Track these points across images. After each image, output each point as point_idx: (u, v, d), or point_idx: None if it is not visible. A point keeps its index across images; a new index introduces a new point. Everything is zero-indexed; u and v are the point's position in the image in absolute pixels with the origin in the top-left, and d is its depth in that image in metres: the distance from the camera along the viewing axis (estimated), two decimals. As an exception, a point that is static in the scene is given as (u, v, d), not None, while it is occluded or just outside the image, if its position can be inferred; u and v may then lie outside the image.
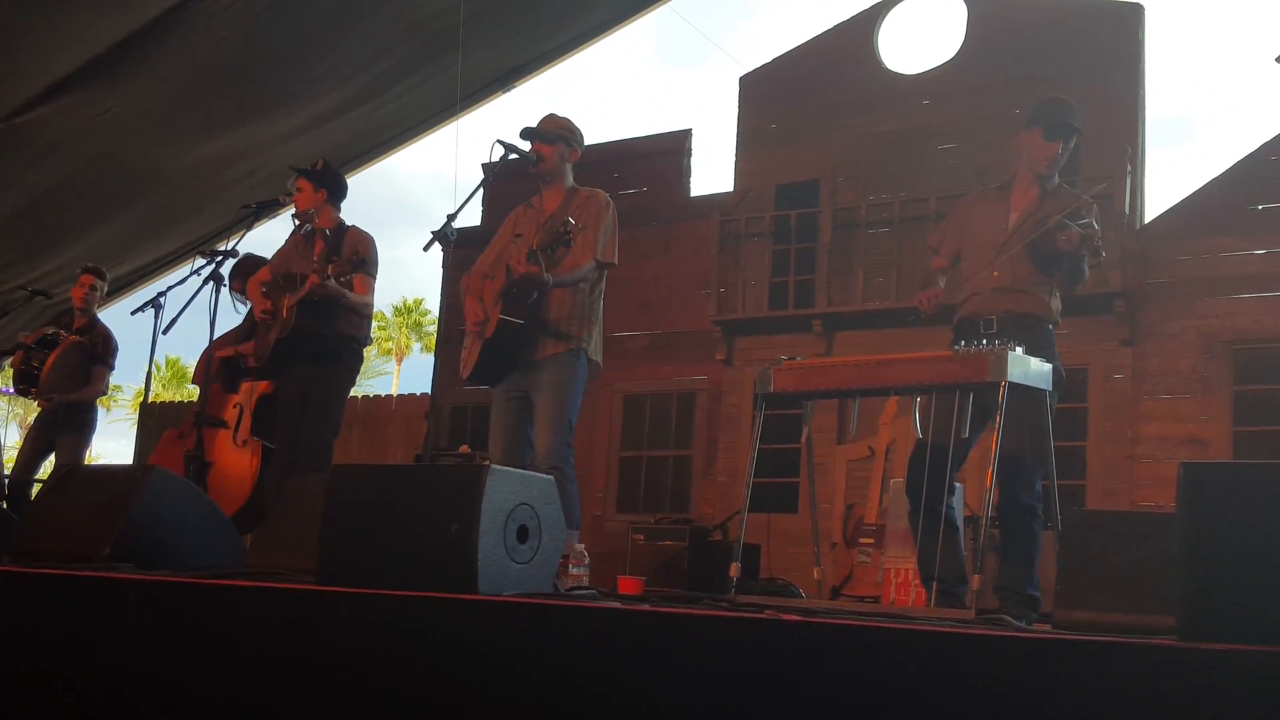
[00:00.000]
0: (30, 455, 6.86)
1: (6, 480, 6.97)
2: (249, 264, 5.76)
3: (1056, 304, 4.30)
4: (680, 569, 8.14)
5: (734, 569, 4.08)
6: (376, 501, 3.00)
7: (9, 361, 7.27)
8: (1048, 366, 3.90)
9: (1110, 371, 9.95)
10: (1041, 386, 3.88)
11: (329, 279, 4.97)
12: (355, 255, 5.04)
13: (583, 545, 3.95)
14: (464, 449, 8.98)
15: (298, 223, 5.49)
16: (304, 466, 4.91)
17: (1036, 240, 4.16)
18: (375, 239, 5.36)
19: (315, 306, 5.07)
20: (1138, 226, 10.14)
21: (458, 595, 2.64)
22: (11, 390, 7.05)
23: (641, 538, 8.59)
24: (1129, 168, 10.02)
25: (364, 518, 2.98)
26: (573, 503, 4.32)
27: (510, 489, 2.87)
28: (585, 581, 3.75)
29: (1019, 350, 3.72)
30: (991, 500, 3.85)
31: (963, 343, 3.87)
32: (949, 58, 11.30)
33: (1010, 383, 3.63)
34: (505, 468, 2.96)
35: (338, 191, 5.47)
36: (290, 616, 2.75)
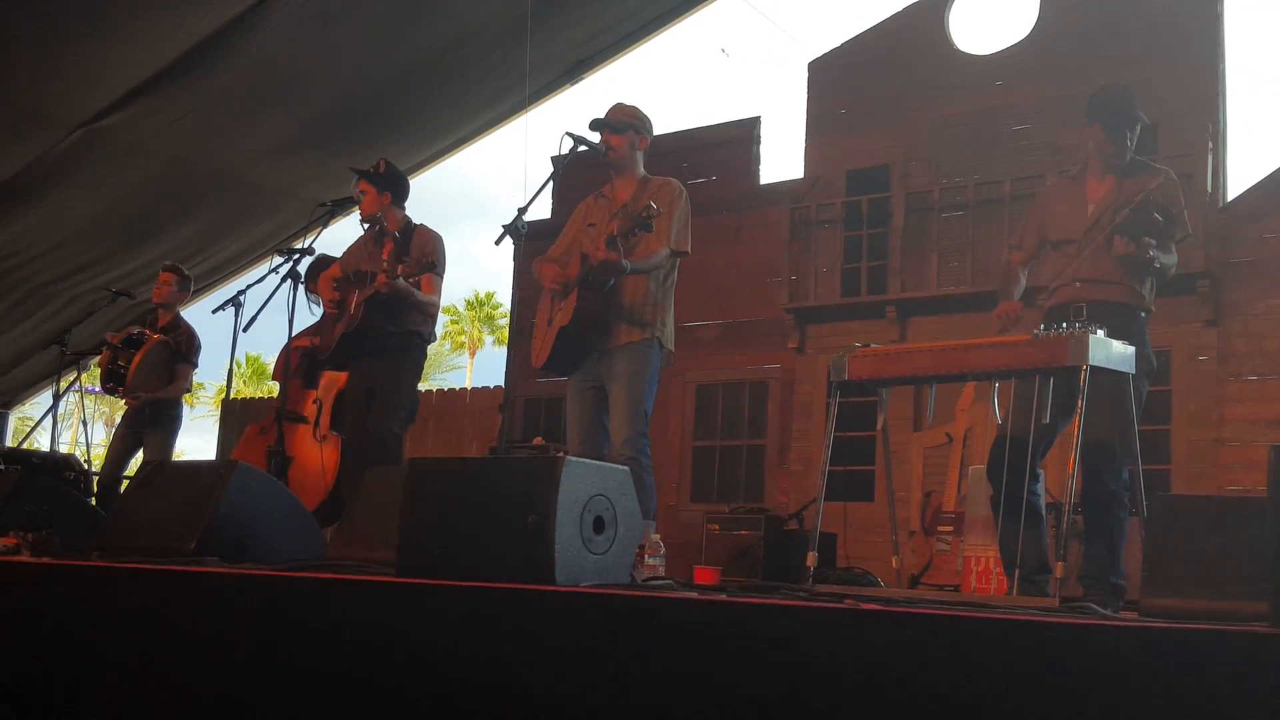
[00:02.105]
0: (120, 453, 7.01)
1: (96, 478, 7.14)
2: (322, 264, 5.85)
3: (1149, 291, 4.20)
4: (756, 559, 8.12)
5: (811, 558, 4.06)
6: (454, 494, 3.03)
7: (96, 361, 7.44)
8: (1130, 349, 3.81)
9: (1194, 353, 9.72)
10: (1124, 369, 3.79)
11: (398, 278, 5.02)
12: (425, 257, 5.09)
13: (658, 535, 3.95)
14: (538, 441, 9.04)
15: (367, 225, 5.56)
16: (373, 458, 4.97)
17: (1108, 237, 4.09)
18: (444, 236, 5.41)
19: (383, 303, 5.14)
20: (1221, 204, 9.88)
21: (536, 586, 2.66)
22: (99, 389, 7.20)
23: (716, 527, 8.58)
24: (1210, 145, 9.76)
25: (442, 510, 3.01)
26: (649, 493, 4.31)
27: (586, 480, 2.88)
28: (661, 572, 3.74)
29: (1100, 333, 3.64)
30: (1075, 487, 3.78)
31: (1042, 327, 3.81)
32: (1022, 37, 11.10)
33: (1092, 366, 3.56)
34: (580, 459, 2.97)
35: (400, 192, 5.52)
36: (371, 607, 2.78)
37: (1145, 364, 3.96)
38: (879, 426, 4.26)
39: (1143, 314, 4.19)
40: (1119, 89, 4.34)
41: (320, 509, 5.45)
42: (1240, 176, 14.21)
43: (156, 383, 6.80)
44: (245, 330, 5.53)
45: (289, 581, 3.04)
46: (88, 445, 7.78)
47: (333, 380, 6.02)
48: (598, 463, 3.11)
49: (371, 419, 5.27)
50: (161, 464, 4.15)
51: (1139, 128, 4.25)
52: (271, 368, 7.88)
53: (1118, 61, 9.79)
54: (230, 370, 5.86)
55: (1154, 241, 3.98)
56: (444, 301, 5.53)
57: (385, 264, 5.19)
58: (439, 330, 5.73)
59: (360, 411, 5.34)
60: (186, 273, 7.41)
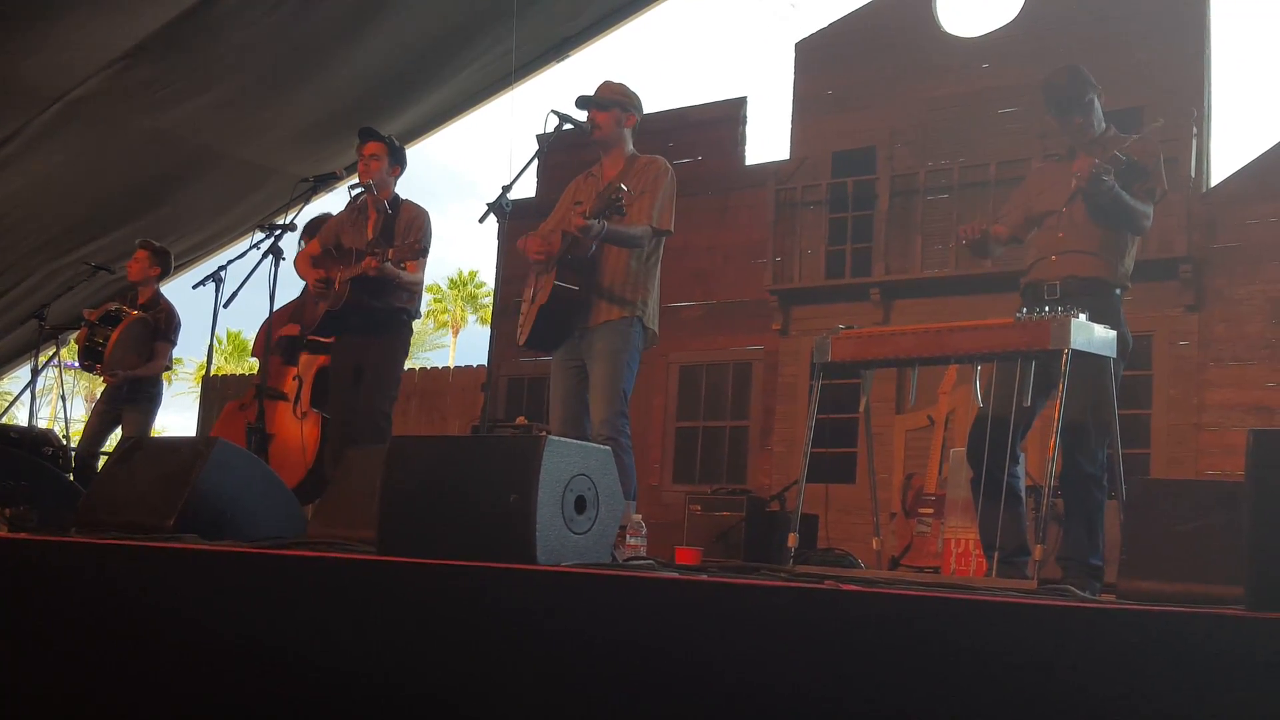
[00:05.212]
0: (97, 429, 6.95)
1: (74, 453, 7.09)
2: (320, 223, 5.83)
3: (1125, 267, 4.23)
4: (737, 539, 8.13)
5: (792, 539, 4.07)
6: (435, 472, 3.02)
7: (74, 337, 7.38)
8: (1112, 334, 3.82)
9: (1175, 338, 9.77)
10: (1105, 354, 3.81)
11: (387, 262, 5.00)
12: (418, 242, 5.07)
13: (640, 515, 3.94)
14: (520, 420, 9.02)
15: (357, 191, 5.51)
16: (365, 438, 4.96)
17: (1084, 195, 4.12)
18: (429, 213, 5.40)
19: (369, 282, 5.12)
20: (1204, 190, 9.92)
21: (516, 565, 2.65)
22: (77, 365, 7.13)
23: (698, 508, 8.58)
24: (1194, 130, 9.79)
25: (423, 488, 3.00)
26: (628, 473, 4.30)
27: (568, 459, 2.88)
28: (643, 552, 3.74)
29: (1082, 317, 3.65)
30: (1054, 470, 3.80)
31: (1024, 310, 3.82)
32: (1009, 20, 11.10)
33: (1073, 350, 3.57)
34: (562, 438, 2.97)
35: (402, 170, 5.55)
36: (351, 586, 2.78)
37: (1120, 343, 3.97)
38: (861, 409, 4.26)
39: (1118, 290, 4.20)
40: (1061, 73, 4.43)
41: (300, 486, 5.44)
42: (1224, 162, 14.26)
43: (135, 360, 6.74)
44: (226, 306, 5.50)
45: (268, 559, 3.03)
46: (66, 420, 7.73)
47: (313, 357, 5.99)
48: (580, 442, 3.10)
49: (363, 399, 5.25)
50: (140, 440, 4.12)
51: (1095, 100, 4.33)
52: (252, 344, 7.83)
53: (1103, 45, 9.80)
54: (211, 346, 5.81)
55: (1111, 169, 4.02)
56: (427, 280, 5.51)
57: (370, 242, 5.18)
58: (422, 309, 5.72)
59: (347, 389, 5.33)
60: (163, 248, 7.30)
